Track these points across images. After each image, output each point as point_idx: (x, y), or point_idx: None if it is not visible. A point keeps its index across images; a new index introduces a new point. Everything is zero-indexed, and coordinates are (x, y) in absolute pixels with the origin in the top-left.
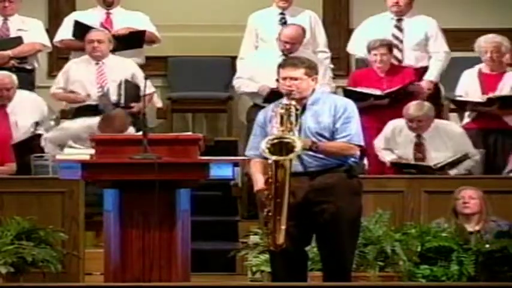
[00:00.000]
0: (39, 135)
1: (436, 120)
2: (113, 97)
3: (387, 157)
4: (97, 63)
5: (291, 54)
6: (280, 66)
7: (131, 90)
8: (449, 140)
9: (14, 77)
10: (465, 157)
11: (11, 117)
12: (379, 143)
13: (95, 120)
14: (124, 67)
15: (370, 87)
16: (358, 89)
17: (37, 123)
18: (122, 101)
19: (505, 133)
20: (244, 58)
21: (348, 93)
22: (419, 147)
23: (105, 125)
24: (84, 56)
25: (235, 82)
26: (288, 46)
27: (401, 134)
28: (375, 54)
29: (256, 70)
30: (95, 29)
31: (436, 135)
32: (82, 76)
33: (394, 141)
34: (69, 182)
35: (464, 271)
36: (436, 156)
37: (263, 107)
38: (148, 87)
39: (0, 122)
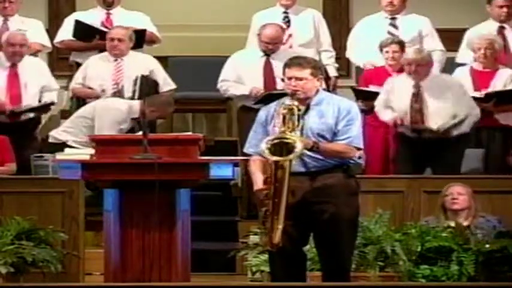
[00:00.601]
0: (50, 104)
1: (435, 72)
2: (128, 94)
3: (386, 117)
4: (115, 60)
5: (273, 54)
6: (286, 66)
7: (147, 86)
8: (448, 91)
9: (27, 35)
10: (466, 117)
11: (21, 78)
12: (379, 101)
13: (132, 102)
14: (143, 64)
15: (381, 86)
16: (370, 88)
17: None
18: (137, 97)
19: (497, 130)
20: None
21: (357, 93)
22: (416, 96)
23: (151, 106)
24: (104, 52)
25: (220, 85)
26: (269, 46)
27: (401, 86)
28: (387, 52)
29: (241, 71)
30: (118, 26)
31: (435, 86)
32: (99, 72)
33: (393, 94)
34: (69, 182)
35: (464, 271)
36: (436, 107)
37: (253, 109)
38: (168, 83)
39: (11, 82)
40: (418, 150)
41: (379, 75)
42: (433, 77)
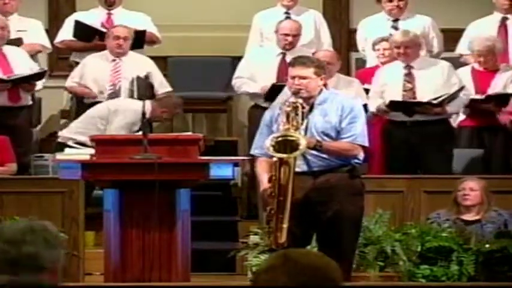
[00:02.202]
0: (44, 72)
1: (427, 57)
2: (124, 94)
3: (373, 107)
4: (114, 60)
5: (289, 51)
6: (290, 64)
7: (143, 88)
8: (438, 70)
9: (15, 20)
10: (461, 90)
11: (10, 59)
12: (371, 94)
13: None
14: (141, 65)
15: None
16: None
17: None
18: (135, 97)
19: (499, 130)
20: (243, 57)
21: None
22: (408, 76)
23: (163, 107)
24: (103, 51)
25: (235, 82)
26: (289, 39)
27: (392, 72)
28: (378, 49)
29: (255, 69)
30: (120, 25)
31: (425, 67)
32: (97, 72)
33: (384, 82)
34: (69, 182)
35: (464, 271)
36: (425, 87)
37: (264, 108)
38: (164, 86)
39: (1, 62)
40: (408, 149)
41: (373, 74)
42: (422, 59)
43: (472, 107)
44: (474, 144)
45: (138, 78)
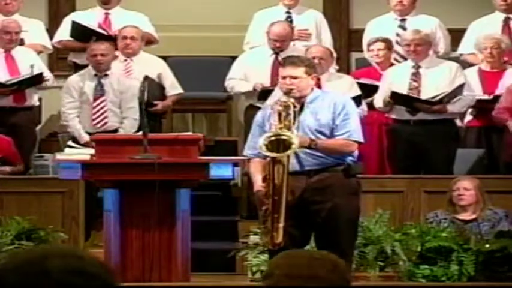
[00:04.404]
0: (40, 76)
1: (435, 57)
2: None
3: (380, 102)
4: (125, 60)
5: (281, 52)
6: (280, 64)
7: (153, 89)
8: (446, 69)
9: (19, 21)
10: (461, 88)
11: (18, 62)
12: (379, 94)
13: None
14: (153, 66)
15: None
16: (365, 81)
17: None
18: (145, 97)
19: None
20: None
21: (361, 87)
22: (415, 75)
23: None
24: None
25: (228, 83)
26: (277, 44)
27: (400, 71)
28: (372, 50)
29: (248, 70)
30: (129, 25)
31: (433, 66)
32: None
33: (391, 80)
34: (69, 182)
35: (464, 271)
36: (430, 86)
37: (259, 108)
38: (175, 87)
39: (10, 65)
40: (412, 148)
41: (369, 74)
42: (431, 59)
43: (480, 107)
44: (482, 145)
45: (147, 78)
